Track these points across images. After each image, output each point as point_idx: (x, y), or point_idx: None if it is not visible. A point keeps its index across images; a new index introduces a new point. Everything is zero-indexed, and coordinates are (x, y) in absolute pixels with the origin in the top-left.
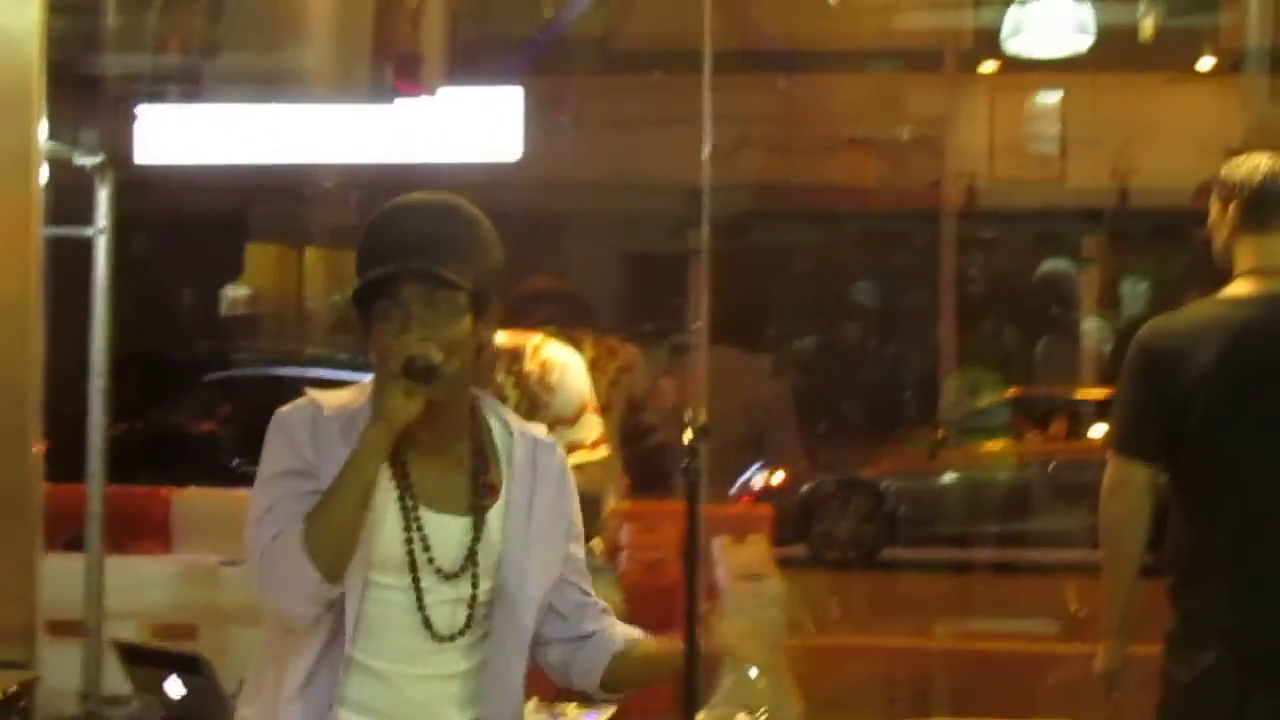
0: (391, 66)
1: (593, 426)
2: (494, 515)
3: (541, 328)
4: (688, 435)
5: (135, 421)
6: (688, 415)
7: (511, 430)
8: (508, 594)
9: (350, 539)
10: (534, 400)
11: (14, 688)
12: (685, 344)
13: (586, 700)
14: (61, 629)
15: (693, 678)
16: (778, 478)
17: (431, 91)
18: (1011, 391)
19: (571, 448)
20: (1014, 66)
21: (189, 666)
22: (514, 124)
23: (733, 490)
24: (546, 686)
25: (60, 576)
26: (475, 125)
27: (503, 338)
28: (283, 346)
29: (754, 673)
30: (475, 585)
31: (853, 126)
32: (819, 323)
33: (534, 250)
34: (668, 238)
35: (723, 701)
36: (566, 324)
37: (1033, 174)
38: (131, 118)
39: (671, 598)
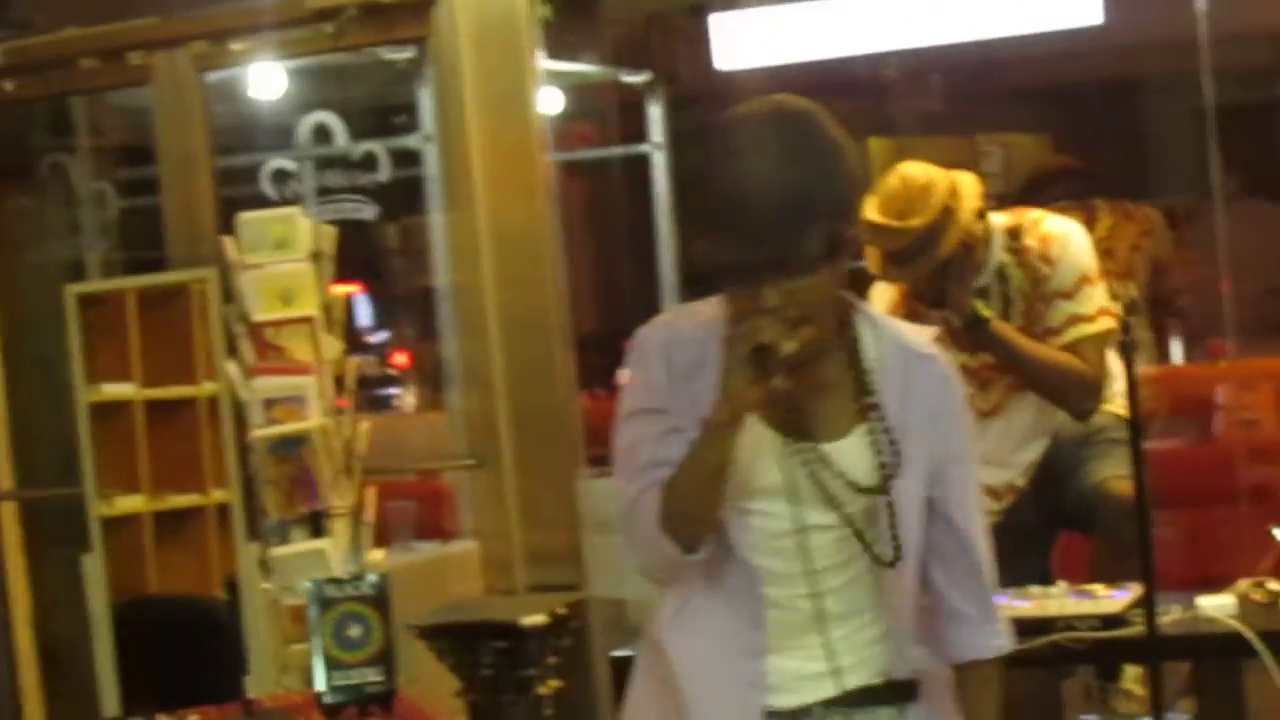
0: None
1: (1092, 298)
2: (857, 440)
3: (1053, 205)
4: (1117, 310)
5: None
6: (1119, 290)
7: (882, 337)
8: (881, 515)
9: (703, 516)
10: (1035, 275)
11: (563, 609)
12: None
13: (1114, 580)
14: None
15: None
16: None
17: None
18: None
19: (1071, 321)
20: None
21: None
22: None
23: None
24: (1078, 570)
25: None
26: None
27: (1002, 218)
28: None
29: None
30: (841, 506)
31: None
32: None
33: (1115, 116)
34: (1257, 89)
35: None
36: (1080, 197)
37: None
38: (680, 32)
39: (1268, 459)
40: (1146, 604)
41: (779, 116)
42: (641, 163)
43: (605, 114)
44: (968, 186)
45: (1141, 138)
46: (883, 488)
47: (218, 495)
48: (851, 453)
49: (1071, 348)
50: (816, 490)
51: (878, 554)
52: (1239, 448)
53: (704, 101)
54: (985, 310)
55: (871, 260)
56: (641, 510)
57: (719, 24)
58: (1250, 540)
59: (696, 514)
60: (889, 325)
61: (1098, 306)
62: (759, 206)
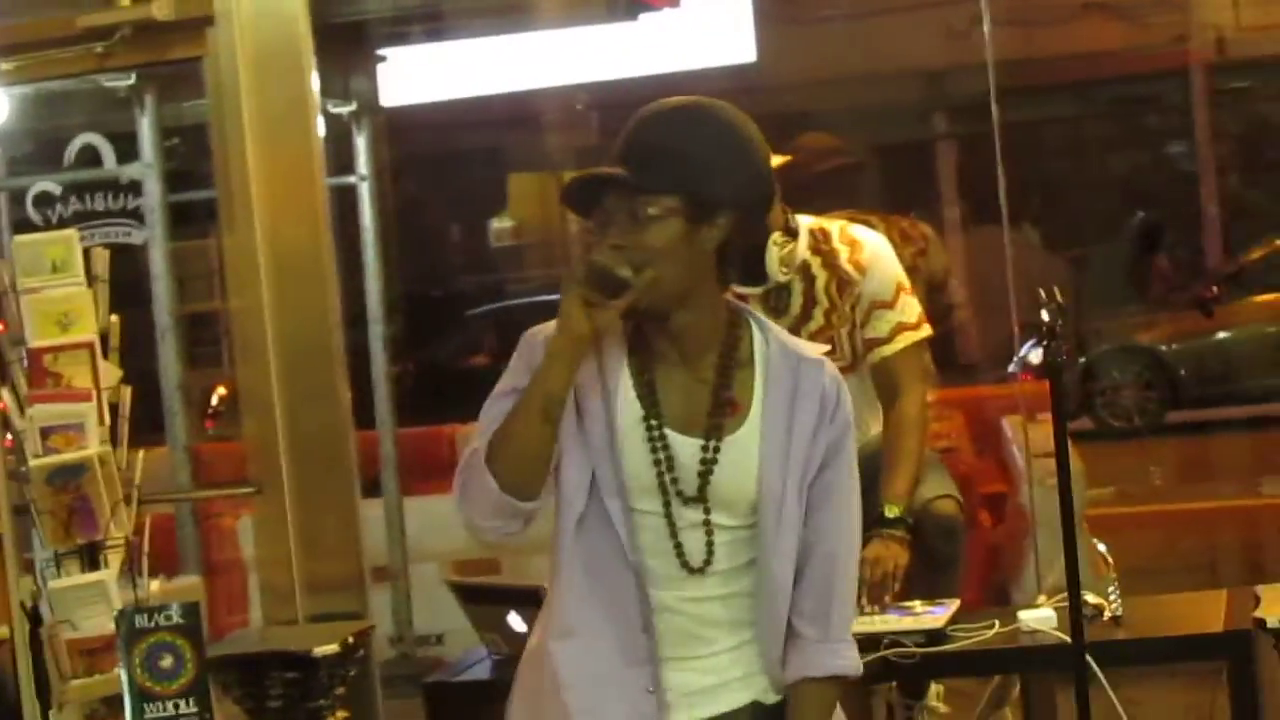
0: None
1: (912, 306)
2: (744, 437)
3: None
4: (1044, 315)
5: (407, 362)
6: (1042, 294)
7: (770, 344)
8: (767, 517)
9: (531, 452)
10: (844, 280)
11: (350, 638)
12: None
13: (931, 596)
14: (379, 574)
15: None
16: None
17: (673, 2)
18: None
19: (898, 329)
20: None
21: (529, 599)
22: (745, 26)
23: (1011, 368)
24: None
25: (372, 523)
26: (711, 32)
27: (807, 219)
28: (551, 274)
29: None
30: (708, 511)
31: None
32: (1078, 195)
33: (779, 150)
34: (912, 126)
35: (1055, 586)
36: (855, 207)
37: None
38: (372, 64)
39: (966, 486)
40: (1073, 614)
41: (694, 102)
42: (349, 193)
43: None
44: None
45: None
46: (700, 489)
47: None
48: (692, 452)
49: (903, 355)
50: (672, 486)
51: (685, 559)
52: None
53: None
54: (892, 511)
55: None
56: (477, 460)
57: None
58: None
59: (522, 443)
60: (777, 332)
61: (917, 314)
62: (637, 146)
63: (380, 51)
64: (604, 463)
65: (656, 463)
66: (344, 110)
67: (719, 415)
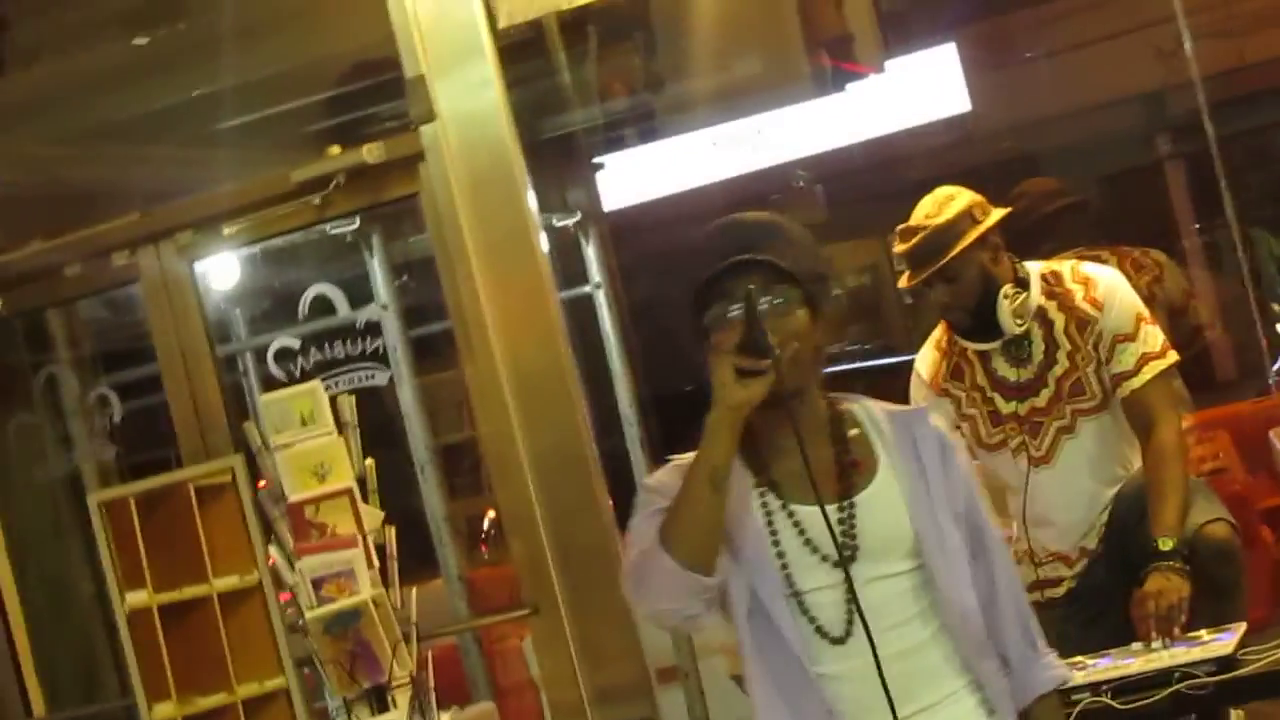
0: (828, 53)
1: (1155, 335)
2: (881, 487)
3: (1064, 256)
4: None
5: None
6: (1275, 308)
7: (872, 411)
8: (932, 552)
9: (704, 523)
10: (1082, 319)
11: None
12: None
13: (1217, 623)
14: (666, 675)
15: None
16: None
17: (876, 68)
18: None
19: (1144, 360)
20: None
21: None
22: (955, 79)
23: (1271, 380)
24: None
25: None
26: (919, 90)
27: (1036, 265)
28: None
29: None
30: (850, 571)
31: None
32: None
33: (1001, 198)
34: (1136, 152)
35: None
36: (1083, 244)
37: None
38: (590, 173)
39: (1241, 505)
40: None
41: (767, 214)
42: (586, 303)
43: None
44: (995, 211)
45: None
46: (839, 561)
47: (244, 690)
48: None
49: (1152, 385)
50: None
51: (822, 627)
52: None
53: (623, 238)
54: (1165, 544)
55: (902, 277)
56: (644, 552)
57: (610, 163)
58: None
59: (694, 515)
60: (875, 403)
61: (1161, 342)
62: (743, 246)
63: (597, 159)
64: (754, 560)
65: (806, 540)
66: (569, 221)
67: (847, 477)
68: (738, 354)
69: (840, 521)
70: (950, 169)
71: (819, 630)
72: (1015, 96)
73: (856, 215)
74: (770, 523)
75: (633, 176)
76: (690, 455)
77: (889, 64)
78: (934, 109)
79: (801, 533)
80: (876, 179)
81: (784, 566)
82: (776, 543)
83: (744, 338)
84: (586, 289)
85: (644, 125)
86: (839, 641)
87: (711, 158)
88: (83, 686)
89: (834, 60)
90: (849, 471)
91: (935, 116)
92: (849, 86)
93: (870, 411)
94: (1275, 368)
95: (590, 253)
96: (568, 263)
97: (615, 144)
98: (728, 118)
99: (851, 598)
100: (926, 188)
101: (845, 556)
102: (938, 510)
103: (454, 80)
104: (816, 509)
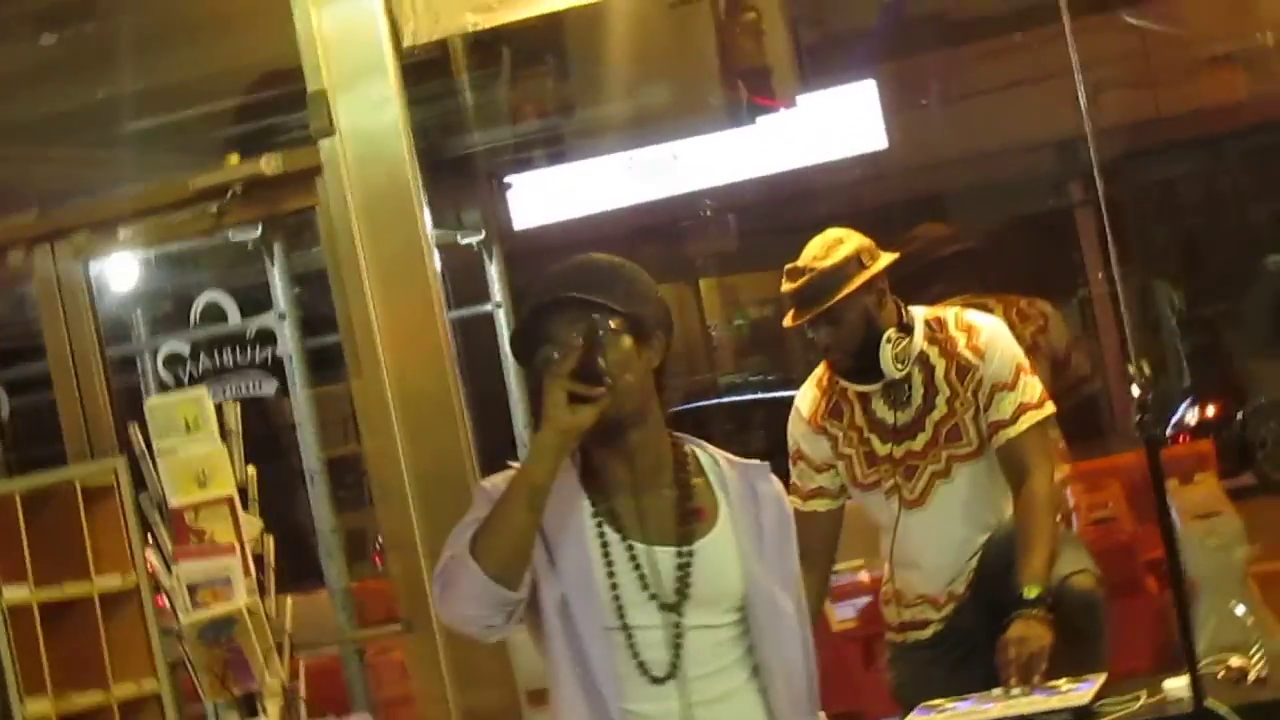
0: (744, 85)
1: (1033, 386)
2: (718, 538)
3: (948, 302)
4: (1135, 389)
5: None
6: (1131, 369)
7: (718, 460)
8: (759, 608)
9: (514, 539)
10: (963, 365)
11: None
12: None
13: (1077, 673)
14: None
15: (1187, 634)
16: (1210, 410)
17: (789, 103)
18: None
19: (1020, 410)
20: None
21: None
22: (873, 116)
23: (1168, 430)
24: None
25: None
26: (835, 125)
27: (921, 309)
28: (697, 382)
29: (1240, 610)
30: (680, 616)
31: (1210, 45)
32: (1221, 248)
33: (893, 244)
34: (1047, 196)
35: (1211, 648)
36: (972, 290)
37: None
38: (498, 192)
39: (1128, 554)
40: (1192, 676)
41: (603, 257)
42: (486, 322)
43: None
44: (883, 256)
45: None
46: (679, 593)
47: (120, 691)
48: (664, 562)
49: (1028, 434)
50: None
51: (645, 665)
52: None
53: (532, 258)
54: (1031, 591)
55: (787, 316)
56: (454, 558)
57: (518, 184)
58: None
59: (508, 530)
60: (719, 452)
61: (1039, 393)
62: (565, 282)
63: (507, 179)
64: (578, 587)
65: (641, 578)
66: (474, 240)
67: (688, 523)
68: (571, 380)
69: (677, 567)
70: (861, 205)
71: (641, 667)
72: (932, 136)
73: (765, 246)
74: (606, 554)
75: (545, 197)
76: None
77: (807, 98)
78: (850, 145)
79: (637, 569)
80: (788, 211)
81: (615, 599)
82: (611, 574)
83: (579, 365)
84: (488, 307)
85: (555, 148)
86: (658, 681)
87: (625, 182)
88: None
89: (750, 92)
90: (690, 517)
91: (851, 152)
92: (762, 119)
93: (715, 459)
94: (1173, 420)
95: (493, 271)
96: (471, 281)
97: (525, 164)
98: (640, 144)
99: (678, 641)
100: (836, 221)
101: (677, 602)
102: (771, 569)
103: (355, 96)
104: (656, 550)
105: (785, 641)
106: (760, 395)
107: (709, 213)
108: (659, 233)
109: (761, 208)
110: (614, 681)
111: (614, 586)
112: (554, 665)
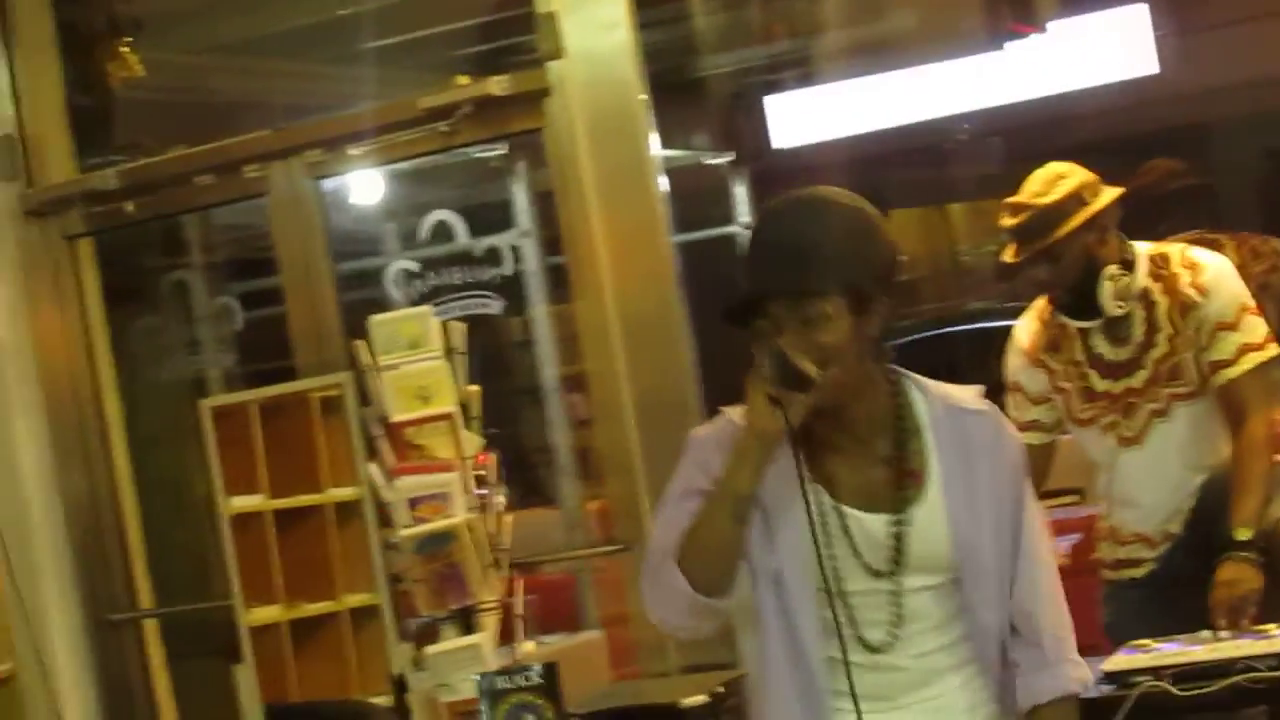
0: (1006, 8)
1: (1257, 327)
2: (929, 503)
3: (1181, 237)
4: None
5: None
6: None
7: (933, 406)
8: (967, 573)
9: (722, 553)
10: (1185, 303)
11: (720, 687)
12: None
13: None
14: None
15: None
16: None
17: (1042, 28)
18: None
19: (1243, 350)
20: None
21: None
22: (1144, 40)
23: None
24: None
25: None
26: (1104, 48)
27: (1145, 245)
28: (946, 307)
29: None
30: (897, 584)
31: None
32: None
33: (1125, 179)
34: None
35: None
36: (1203, 227)
37: None
38: (749, 113)
39: None
40: None
41: (818, 198)
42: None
43: (691, 197)
44: (1107, 191)
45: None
46: (894, 561)
47: (350, 600)
48: (876, 529)
49: (1249, 376)
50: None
51: (861, 632)
52: None
53: (783, 181)
54: (1242, 534)
55: (1006, 250)
56: (666, 563)
57: (774, 105)
58: None
59: (713, 543)
60: (935, 388)
61: (1263, 334)
62: (782, 253)
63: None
64: (793, 558)
65: (852, 545)
66: (721, 161)
67: (902, 489)
68: (772, 381)
69: (894, 537)
70: (1118, 133)
71: (857, 634)
72: (1205, 62)
73: (1022, 173)
74: (822, 518)
75: (799, 118)
76: (738, 410)
77: (1077, 21)
78: (1122, 69)
79: (848, 535)
80: (1049, 136)
81: (832, 563)
82: (827, 540)
83: (781, 367)
84: (734, 229)
85: (802, 70)
86: (876, 650)
87: (879, 104)
88: (192, 588)
89: (1014, 20)
90: (905, 483)
91: (1122, 76)
92: (1020, 43)
93: (930, 401)
94: None
95: (739, 193)
96: (718, 202)
97: (775, 87)
98: (887, 67)
99: (898, 608)
100: (1093, 149)
101: (893, 570)
102: (981, 523)
103: (584, 18)
104: (870, 517)
105: (988, 596)
106: (1011, 322)
107: (965, 137)
108: (915, 158)
109: (1019, 133)
110: (819, 640)
111: (830, 553)
112: (763, 633)
